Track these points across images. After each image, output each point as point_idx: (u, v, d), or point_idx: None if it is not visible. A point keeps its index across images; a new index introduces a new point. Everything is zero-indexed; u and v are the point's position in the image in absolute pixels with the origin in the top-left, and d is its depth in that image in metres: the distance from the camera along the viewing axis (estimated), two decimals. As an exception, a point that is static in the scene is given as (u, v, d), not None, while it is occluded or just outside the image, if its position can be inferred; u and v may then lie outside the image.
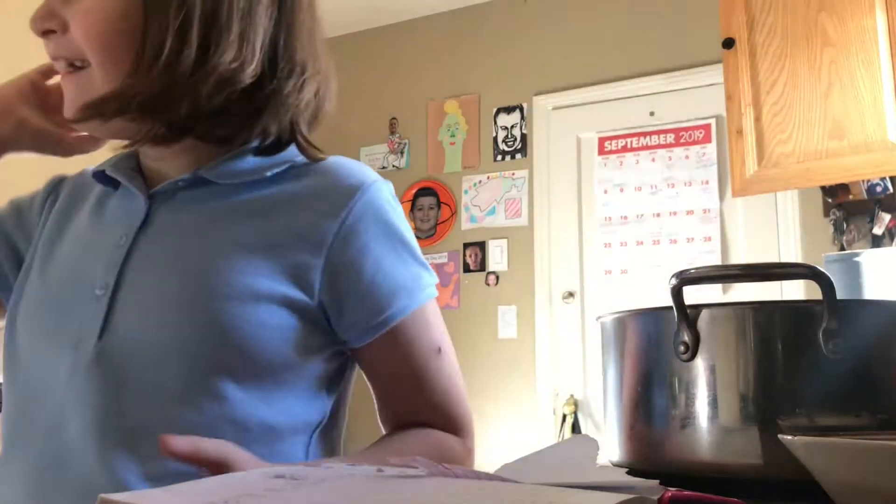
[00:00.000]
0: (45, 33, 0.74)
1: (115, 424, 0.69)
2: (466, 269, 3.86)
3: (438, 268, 3.92)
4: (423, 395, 0.78)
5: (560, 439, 3.39)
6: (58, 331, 0.73)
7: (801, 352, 0.56)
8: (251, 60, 0.73)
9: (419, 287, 0.77)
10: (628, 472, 0.49)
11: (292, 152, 0.78)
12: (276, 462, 0.68)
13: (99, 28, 0.71)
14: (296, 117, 0.77)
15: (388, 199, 0.78)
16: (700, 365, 0.58)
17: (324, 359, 0.76)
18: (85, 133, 0.84)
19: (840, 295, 0.56)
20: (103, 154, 0.85)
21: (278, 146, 0.78)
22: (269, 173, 0.76)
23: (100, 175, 0.81)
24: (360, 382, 0.83)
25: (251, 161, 0.77)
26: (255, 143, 0.77)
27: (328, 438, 0.79)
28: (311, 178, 0.77)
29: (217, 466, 0.57)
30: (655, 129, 3.53)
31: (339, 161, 0.80)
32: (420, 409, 0.78)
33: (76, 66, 0.74)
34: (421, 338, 0.77)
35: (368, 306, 0.74)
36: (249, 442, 0.68)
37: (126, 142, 0.77)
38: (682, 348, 0.59)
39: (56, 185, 0.88)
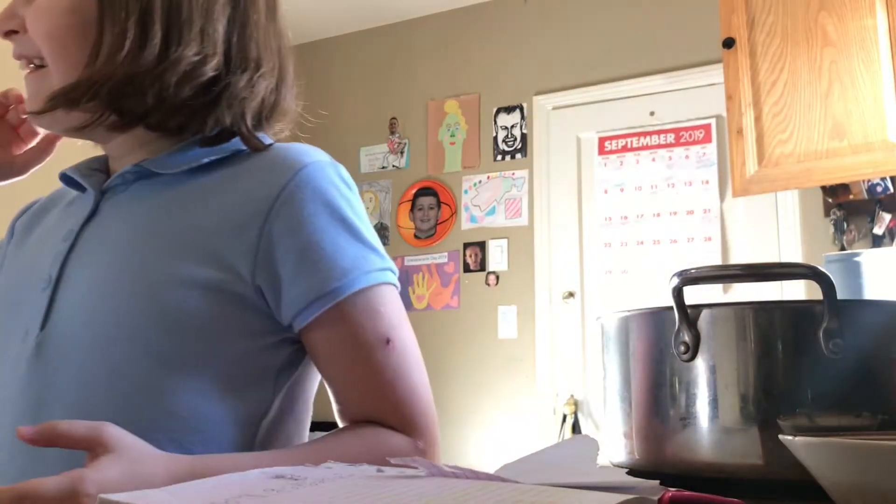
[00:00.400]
0: (8, 34, 0.78)
1: (45, 415, 0.69)
2: (466, 269, 3.86)
3: (438, 268, 3.92)
4: (368, 389, 0.73)
5: (560, 439, 3.39)
6: (11, 325, 0.75)
7: (802, 352, 0.56)
8: (213, 54, 0.76)
9: (362, 269, 0.73)
10: (628, 472, 0.49)
11: (238, 142, 0.79)
12: (213, 452, 0.68)
13: (50, 24, 0.75)
14: (245, 110, 0.78)
15: (330, 178, 0.76)
16: (700, 365, 0.58)
17: (265, 347, 0.73)
18: (32, 144, 0.88)
19: (840, 295, 0.56)
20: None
21: (225, 137, 0.79)
22: (205, 160, 0.77)
23: (64, 178, 0.83)
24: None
25: (196, 151, 0.78)
26: (202, 135, 0.79)
27: (281, 433, 0.76)
28: (252, 164, 0.77)
29: (90, 448, 0.57)
30: (655, 129, 3.53)
31: (283, 146, 0.79)
32: (366, 405, 0.74)
33: (37, 64, 0.78)
34: (365, 325, 0.73)
35: (304, 284, 0.71)
36: (185, 431, 0.69)
37: (80, 137, 0.80)
38: (682, 348, 0.59)
39: (28, 207, 0.92)
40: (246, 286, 0.71)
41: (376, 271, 0.74)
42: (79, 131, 0.78)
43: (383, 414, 0.74)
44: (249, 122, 0.79)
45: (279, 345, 0.75)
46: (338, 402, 0.76)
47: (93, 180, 0.80)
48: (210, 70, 0.75)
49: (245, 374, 0.72)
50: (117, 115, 0.75)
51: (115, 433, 0.58)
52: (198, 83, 0.75)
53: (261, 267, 0.71)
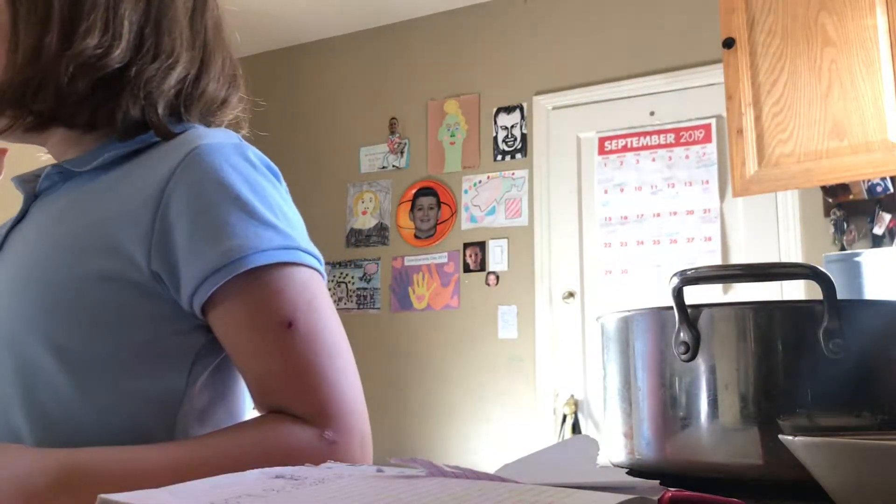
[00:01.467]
0: None
1: None
2: (466, 269, 3.87)
3: (438, 268, 3.92)
4: (271, 375, 0.69)
5: (560, 439, 3.39)
6: None
7: (802, 352, 0.56)
8: (117, 47, 0.76)
9: (256, 247, 0.69)
10: (628, 472, 0.49)
11: (152, 134, 0.79)
12: (124, 443, 0.68)
13: None
14: (156, 101, 0.78)
15: (227, 157, 0.72)
16: (700, 365, 0.58)
17: (174, 333, 0.72)
18: None
19: (840, 295, 0.56)
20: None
21: (139, 130, 0.78)
22: (111, 154, 0.77)
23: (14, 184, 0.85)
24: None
25: (111, 146, 0.78)
26: (119, 130, 0.78)
27: (208, 423, 0.75)
28: (157, 151, 0.76)
29: None
30: (655, 128, 3.53)
31: (191, 131, 0.77)
32: (272, 392, 0.70)
33: None
34: (263, 306, 0.69)
35: (196, 264, 0.69)
36: (93, 423, 0.70)
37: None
38: (682, 348, 0.59)
39: None
40: (142, 274, 0.70)
41: (276, 250, 0.70)
42: (7, 135, 0.79)
43: (289, 402, 0.69)
44: (161, 111, 0.78)
45: (191, 331, 0.72)
46: (249, 390, 0.73)
47: (29, 185, 0.82)
48: (114, 61, 0.76)
49: (152, 360, 0.71)
50: (32, 116, 0.76)
51: None
52: (100, 75, 0.76)
53: (156, 252, 0.70)
